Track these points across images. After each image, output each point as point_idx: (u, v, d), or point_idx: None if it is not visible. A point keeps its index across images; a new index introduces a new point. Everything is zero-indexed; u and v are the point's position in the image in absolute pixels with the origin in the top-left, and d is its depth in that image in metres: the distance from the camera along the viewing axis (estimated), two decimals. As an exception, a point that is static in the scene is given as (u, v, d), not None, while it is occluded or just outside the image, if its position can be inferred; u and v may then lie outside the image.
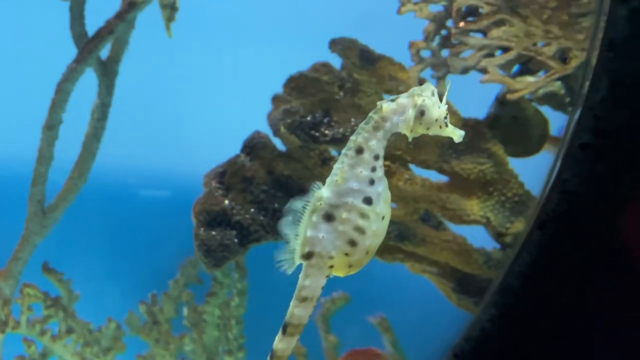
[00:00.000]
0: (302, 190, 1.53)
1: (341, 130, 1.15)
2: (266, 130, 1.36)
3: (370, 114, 0.59)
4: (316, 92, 1.16)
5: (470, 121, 1.17)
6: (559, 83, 1.11)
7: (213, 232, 1.27)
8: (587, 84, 0.71)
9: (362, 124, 0.58)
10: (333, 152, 1.25)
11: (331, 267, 0.60)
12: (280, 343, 0.62)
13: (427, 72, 1.21)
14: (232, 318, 1.55)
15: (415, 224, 1.18)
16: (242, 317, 1.56)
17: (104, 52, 1.86)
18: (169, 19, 1.51)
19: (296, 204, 0.60)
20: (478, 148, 1.12)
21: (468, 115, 1.19)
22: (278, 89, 1.33)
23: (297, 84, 1.16)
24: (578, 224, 0.76)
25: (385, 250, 1.24)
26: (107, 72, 1.86)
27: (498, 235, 1.22)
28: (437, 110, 0.58)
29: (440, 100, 0.58)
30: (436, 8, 1.14)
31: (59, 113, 1.77)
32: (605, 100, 0.70)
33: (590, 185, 0.74)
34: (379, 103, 0.58)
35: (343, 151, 0.58)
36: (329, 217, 0.58)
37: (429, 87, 0.58)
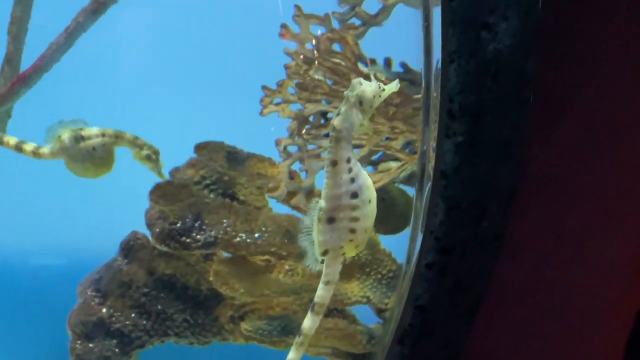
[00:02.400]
0: (186, 288, 1.43)
1: (213, 233, 1.09)
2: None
3: (330, 133, 0.71)
4: (185, 197, 1.10)
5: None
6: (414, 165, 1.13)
7: (91, 345, 1.15)
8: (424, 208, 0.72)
9: (327, 143, 0.72)
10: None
11: (343, 254, 0.73)
12: (308, 321, 0.77)
13: (297, 165, 1.18)
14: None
15: (297, 315, 1.14)
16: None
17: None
18: (157, 167, 1.29)
19: (306, 219, 0.73)
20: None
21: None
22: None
23: (164, 192, 1.09)
24: (433, 335, 0.76)
25: (277, 341, 1.19)
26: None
27: (379, 311, 1.21)
28: (370, 89, 0.69)
29: None
30: (297, 106, 1.13)
31: None
32: (444, 223, 0.71)
33: (440, 298, 0.74)
34: (332, 121, 0.70)
35: (325, 169, 0.71)
36: (330, 220, 0.71)
37: (355, 82, 0.70)
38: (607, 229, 0.71)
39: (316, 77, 1.04)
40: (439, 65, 0.67)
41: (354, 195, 0.69)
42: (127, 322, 1.19)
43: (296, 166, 1.20)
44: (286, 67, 1.10)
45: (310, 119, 1.10)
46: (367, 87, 0.69)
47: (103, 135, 1.15)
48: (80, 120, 1.19)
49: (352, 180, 0.69)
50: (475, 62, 0.63)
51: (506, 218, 0.71)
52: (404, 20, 0.97)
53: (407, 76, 1.13)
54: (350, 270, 1.14)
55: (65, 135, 1.16)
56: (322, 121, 1.07)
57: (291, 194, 1.17)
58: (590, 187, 0.69)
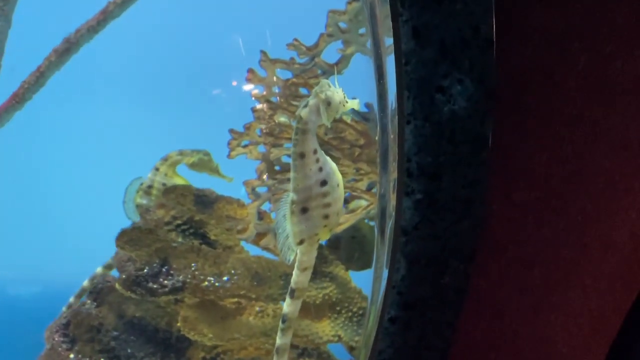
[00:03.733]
0: (157, 330, 1.38)
1: (181, 277, 1.06)
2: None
3: (294, 125, 0.70)
4: (152, 243, 1.07)
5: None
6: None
7: (58, 393, 1.11)
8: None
9: (293, 135, 0.69)
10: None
11: (318, 240, 0.73)
12: (289, 307, 0.75)
13: (266, 206, 1.16)
14: None
15: (269, 356, 1.11)
16: None
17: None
18: (213, 168, 1.39)
19: (278, 215, 0.72)
20: (320, 272, 1.09)
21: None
22: None
23: (131, 237, 1.06)
24: (399, 390, 0.73)
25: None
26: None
27: (350, 349, 1.19)
28: (337, 95, 0.70)
29: None
30: (264, 148, 1.11)
31: None
32: (405, 278, 0.69)
33: (404, 354, 0.72)
34: (297, 113, 0.69)
35: (291, 162, 0.70)
36: (304, 211, 0.70)
37: (325, 82, 0.70)
38: (568, 282, 0.71)
39: (281, 120, 1.03)
40: (394, 106, 0.66)
41: (324, 182, 0.70)
42: (95, 368, 1.15)
43: (265, 206, 1.18)
44: (253, 110, 1.09)
45: (276, 165, 1.08)
46: (336, 93, 0.70)
47: (157, 169, 1.33)
48: (136, 179, 1.36)
49: (320, 169, 0.70)
50: (431, 125, 0.62)
51: (467, 274, 0.69)
52: (364, 67, 0.97)
53: (371, 116, 1.12)
54: (321, 310, 1.12)
55: (139, 200, 1.33)
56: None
57: (260, 235, 1.14)
58: (550, 242, 0.68)
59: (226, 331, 1.09)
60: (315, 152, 0.70)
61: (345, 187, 1.04)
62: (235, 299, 1.15)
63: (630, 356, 0.74)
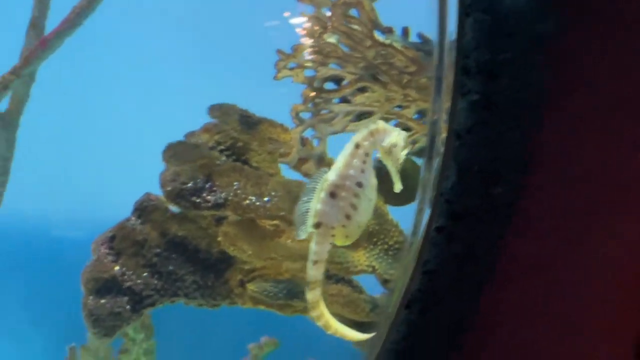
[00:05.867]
0: (197, 251, 1.40)
1: (223, 195, 1.05)
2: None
3: (370, 124, 0.74)
4: (196, 158, 1.06)
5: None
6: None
7: (102, 301, 1.13)
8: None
9: (363, 127, 0.73)
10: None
11: (333, 236, 0.73)
12: (308, 295, 0.78)
13: (309, 132, 1.13)
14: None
15: (302, 280, 1.10)
16: (150, 376, 1.43)
17: (3, 105, 1.69)
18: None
19: (309, 184, 0.72)
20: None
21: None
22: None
23: (176, 152, 1.05)
24: (440, 302, 0.70)
25: (283, 305, 1.15)
26: (7, 125, 1.68)
27: (384, 282, 1.17)
28: (400, 154, 0.75)
29: None
30: (311, 72, 1.07)
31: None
32: (455, 186, 0.65)
33: (449, 265, 0.69)
34: (378, 121, 0.75)
35: (345, 146, 0.72)
36: (332, 195, 0.71)
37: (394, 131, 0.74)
38: (615, 207, 0.65)
39: (331, 41, 0.98)
40: (454, 37, 0.62)
41: (359, 184, 0.72)
42: (139, 281, 1.17)
43: (308, 133, 1.15)
44: (302, 29, 1.05)
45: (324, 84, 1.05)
46: (399, 152, 0.76)
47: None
48: None
49: (363, 170, 0.72)
50: (492, 18, 0.57)
51: (520, 186, 0.65)
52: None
53: (424, 47, 1.06)
54: (357, 239, 1.09)
55: None
56: (334, 86, 1.01)
57: (302, 161, 1.12)
58: (598, 164, 0.63)
59: (264, 250, 1.08)
60: (367, 155, 0.73)
61: (391, 114, 1.00)
62: (275, 222, 1.13)
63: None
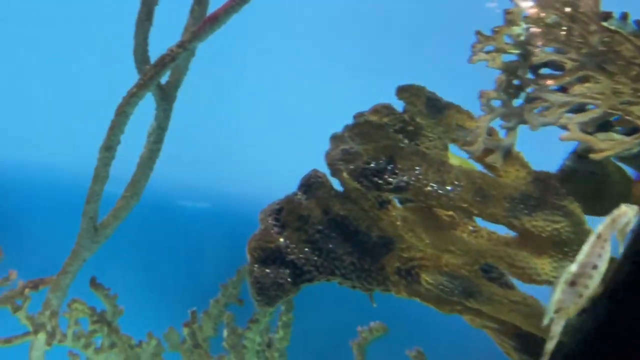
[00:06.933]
0: (357, 232, 1.36)
1: (405, 178, 1.01)
2: (320, 166, 1.23)
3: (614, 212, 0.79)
4: (380, 139, 1.03)
5: (541, 174, 1.03)
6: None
7: (267, 270, 1.14)
8: None
9: (606, 219, 0.79)
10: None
11: (567, 314, 0.80)
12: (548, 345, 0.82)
13: (496, 122, 1.06)
14: (275, 351, 1.42)
15: (479, 280, 1.03)
16: (286, 350, 1.43)
17: (164, 77, 1.75)
18: None
19: (560, 277, 0.80)
20: (552, 205, 0.97)
21: (539, 167, 1.05)
22: (333, 123, 1.20)
23: (361, 130, 1.02)
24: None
25: (444, 302, 1.09)
26: (166, 96, 1.76)
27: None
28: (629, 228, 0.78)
29: None
30: (509, 57, 1.00)
31: (117, 135, 1.66)
32: None
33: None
34: (621, 205, 0.80)
35: (589, 237, 0.79)
36: (572, 284, 0.79)
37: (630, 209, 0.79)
38: None
39: (548, 21, 0.91)
40: None
41: (595, 267, 0.77)
42: (301, 255, 1.16)
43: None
44: (507, 12, 0.98)
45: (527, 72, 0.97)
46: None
47: None
48: None
49: (600, 255, 0.77)
50: None
51: None
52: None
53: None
54: (542, 245, 1.00)
55: None
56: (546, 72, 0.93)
57: (487, 151, 1.05)
58: None
59: (441, 241, 1.03)
60: (606, 240, 0.78)
61: (617, 109, 0.90)
62: (450, 212, 1.08)
63: None
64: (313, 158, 1.24)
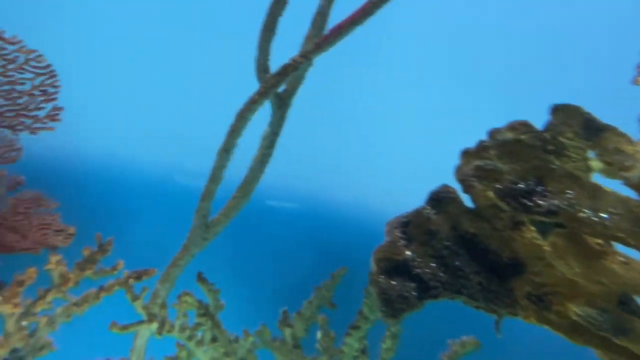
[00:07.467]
0: (486, 252, 1.32)
1: (556, 202, 0.96)
2: (449, 182, 1.21)
3: None
4: (530, 159, 0.99)
5: None
6: None
7: (393, 282, 1.12)
8: None
9: None
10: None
11: None
12: None
13: (656, 149, 0.99)
14: (382, 362, 1.40)
15: (627, 315, 0.97)
16: (391, 362, 1.41)
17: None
18: None
19: None
20: None
21: None
22: (436, 139, 1.17)
23: (511, 149, 0.99)
24: None
25: (579, 333, 1.03)
26: (282, 104, 1.79)
27: None
28: None
29: None
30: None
31: (235, 138, 1.71)
32: None
33: None
34: None
35: None
36: None
37: None
38: None
39: None
40: None
41: None
42: (427, 270, 1.14)
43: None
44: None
45: None
46: None
47: None
48: None
49: None
50: None
51: None
52: None
53: None
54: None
55: None
56: None
57: (645, 179, 0.99)
58: None
59: (591, 271, 0.97)
60: None
61: None
62: (599, 240, 1.02)
63: None
64: (407, 172, 1.22)
